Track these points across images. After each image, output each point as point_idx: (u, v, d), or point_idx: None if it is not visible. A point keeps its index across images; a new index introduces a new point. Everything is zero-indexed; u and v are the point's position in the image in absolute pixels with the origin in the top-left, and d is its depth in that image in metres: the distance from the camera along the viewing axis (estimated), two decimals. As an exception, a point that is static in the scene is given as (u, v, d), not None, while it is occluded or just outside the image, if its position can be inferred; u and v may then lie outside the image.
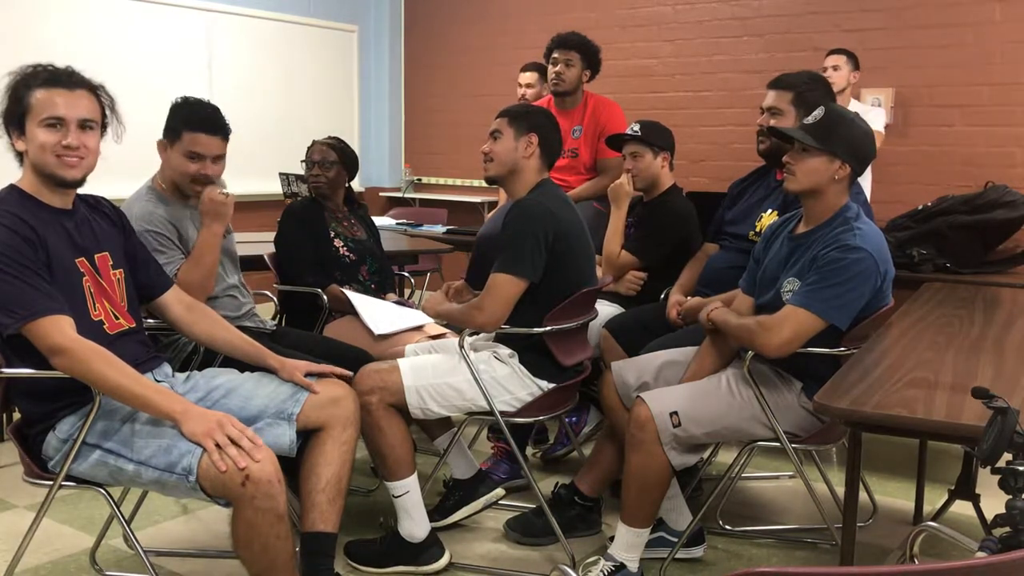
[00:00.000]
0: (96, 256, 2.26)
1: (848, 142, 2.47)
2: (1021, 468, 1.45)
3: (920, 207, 3.78)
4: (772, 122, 3.00)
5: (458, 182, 7.42)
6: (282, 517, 2.05)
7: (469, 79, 7.25)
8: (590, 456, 3.03)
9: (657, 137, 3.49)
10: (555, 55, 4.04)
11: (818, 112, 2.52)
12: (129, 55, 5.91)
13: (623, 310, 3.43)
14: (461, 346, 2.69)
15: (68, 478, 2.16)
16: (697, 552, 2.85)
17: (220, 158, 2.82)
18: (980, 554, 1.42)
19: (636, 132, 3.48)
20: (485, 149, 2.82)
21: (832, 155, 2.46)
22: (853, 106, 4.72)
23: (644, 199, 3.61)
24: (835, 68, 4.70)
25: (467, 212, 7.14)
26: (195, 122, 2.75)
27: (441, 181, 7.55)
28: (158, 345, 2.73)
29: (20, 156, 2.20)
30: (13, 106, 2.15)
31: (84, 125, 2.16)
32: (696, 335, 2.86)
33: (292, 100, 6.91)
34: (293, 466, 2.37)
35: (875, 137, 2.62)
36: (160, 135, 2.82)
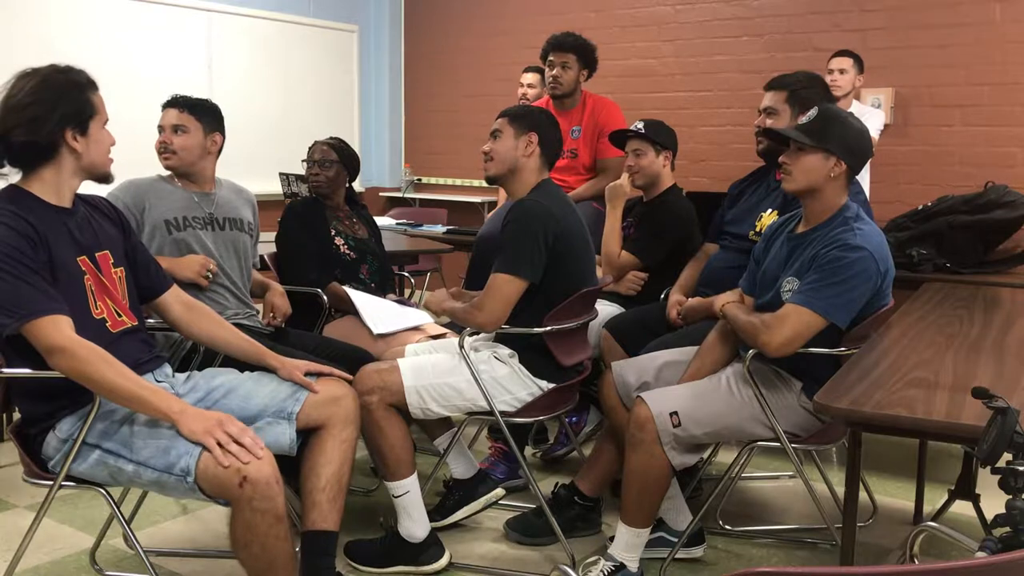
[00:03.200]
0: (97, 254, 2.26)
1: (842, 139, 2.47)
2: (1021, 468, 1.45)
3: (920, 207, 3.78)
4: (769, 122, 3.01)
5: (458, 182, 7.42)
6: (281, 518, 2.05)
7: (469, 79, 7.25)
8: (590, 456, 3.03)
9: (661, 135, 3.49)
10: (551, 58, 4.03)
11: (812, 112, 2.53)
12: (129, 55, 5.91)
13: (623, 310, 3.43)
14: (461, 346, 2.69)
15: (68, 478, 2.16)
16: (697, 552, 2.85)
17: (178, 128, 2.98)
18: (980, 554, 1.42)
19: (640, 129, 3.48)
20: (485, 148, 2.83)
21: (827, 152, 2.47)
22: (854, 107, 4.71)
23: (644, 198, 3.62)
24: (841, 72, 4.65)
25: (467, 212, 7.14)
26: (164, 103, 3.06)
27: (441, 181, 7.55)
28: (160, 344, 2.73)
29: (23, 157, 2.19)
30: (81, 107, 2.17)
31: None
32: (696, 335, 2.86)
33: (292, 100, 6.91)
34: (293, 465, 2.37)
35: (871, 136, 2.62)
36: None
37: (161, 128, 3.00)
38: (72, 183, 2.22)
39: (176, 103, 3.02)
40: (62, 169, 2.19)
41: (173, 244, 2.93)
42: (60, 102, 2.14)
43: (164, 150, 2.99)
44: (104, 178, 2.27)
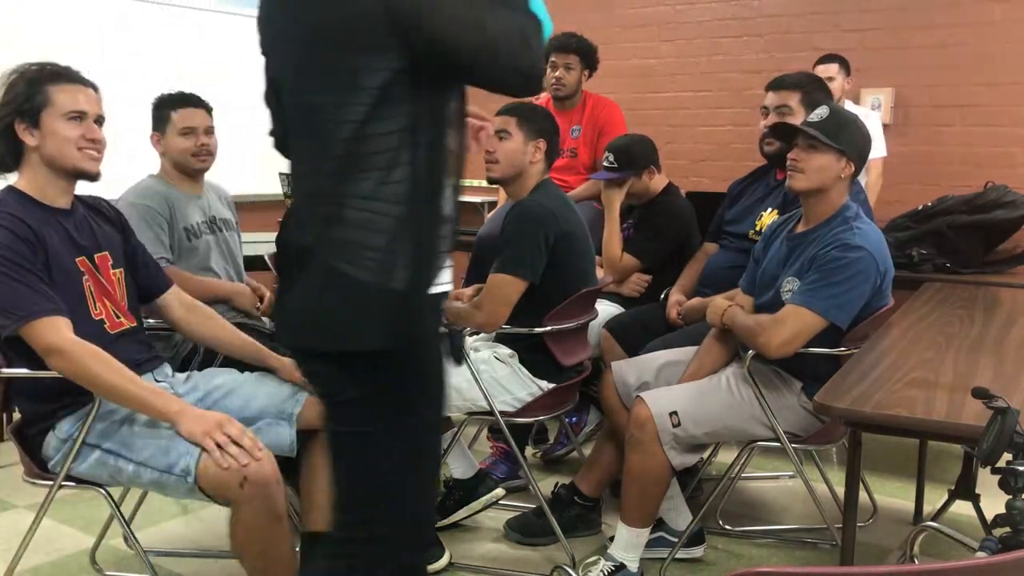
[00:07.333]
0: (96, 256, 2.26)
1: (855, 141, 2.48)
2: (1021, 468, 1.45)
3: (920, 207, 3.77)
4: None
5: (458, 182, 7.40)
6: (281, 518, 2.05)
7: (469, 79, 7.24)
8: (590, 456, 3.03)
9: (634, 161, 3.43)
10: (554, 59, 4.02)
11: (822, 111, 2.52)
12: (129, 55, 5.91)
13: (623, 310, 3.43)
14: (461, 346, 2.69)
15: (68, 478, 2.16)
16: (697, 552, 2.85)
17: (211, 130, 2.98)
18: (980, 554, 1.42)
19: (612, 163, 3.44)
20: (490, 148, 2.80)
21: (840, 153, 2.47)
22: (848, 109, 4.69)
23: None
24: (829, 80, 4.61)
25: (467, 212, 7.13)
26: (179, 101, 2.96)
27: (441, 181, 7.53)
28: (160, 344, 2.73)
29: (13, 159, 2.19)
30: (28, 99, 2.14)
31: (99, 121, 2.23)
32: (696, 335, 2.86)
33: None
34: (294, 465, 2.37)
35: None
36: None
37: (191, 129, 2.92)
38: (56, 181, 2.20)
39: (203, 104, 2.97)
40: (33, 166, 2.18)
41: (189, 253, 2.92)
42: (7, 95, 2.14)
43: (205, 153, 2.95)
44: (82, 175, 2.21)
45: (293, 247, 1.62)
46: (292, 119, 1.63)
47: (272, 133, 1.81)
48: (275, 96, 1.71)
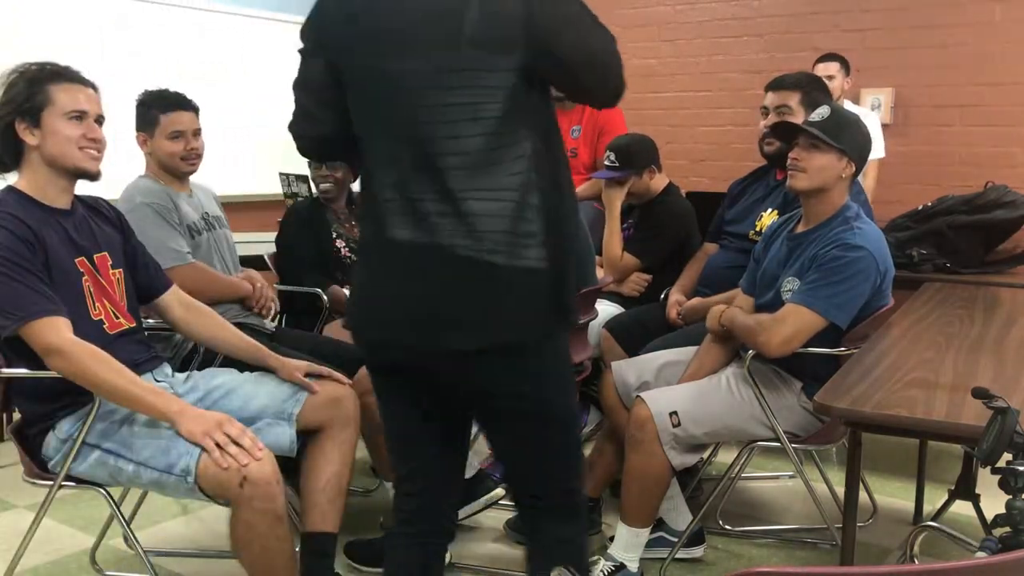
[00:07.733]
0: (95, 256, 2.26)
1: (855, 141, 2.49)
2: (1021, 468, 1.45)
3: (920, 207, 3.77)
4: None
5: (458, 182, 7.40)
6: (281, 518, 2.05)
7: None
8: (590, 456, 3.02)
9: (635, 161, 3.43)
10: None
11: (823, 111, 2.52)
12: (129, 55, 5.91)
13: (623, 310, 3.43)
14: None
15: (68, 478, 2.16)
16: (697, 552, 2.85)
17: (198, 132, 2.94)
18: (980, 554, 1.42)
19: (613, 163, 3.44)
20: None
21: (842, 153, 2.47)
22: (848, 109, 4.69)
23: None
24: (829, 78, 4.62)
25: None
26: (168, 104, 2.89)
27: (441, 181, 7.53)
28: (160, 345, 2.73)
29: (13, 158, 2.20)
30: (28, 98, 2.14)
31: (99, 120, 2.23)
32: (696, 335, 2.86)
33: (292, 100, 6.89)
34: (294, 466, 2.37)
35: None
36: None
37: (177, 133, 2.87)
38: (56, 181, 2.20)
39: (190, 106, 2.94)
40: (34, 165, 2.18)
41: (193, 250, 2.91)
42: (7, 95, 2.14)
43: (195, 156, 2.92)
44: (83, 174, 2.21)
45: (406, 248, 1.63)
46: (394, 120, 1.64)
47: (302, 132, 1.83)
48: (332, 96, 1.76)
